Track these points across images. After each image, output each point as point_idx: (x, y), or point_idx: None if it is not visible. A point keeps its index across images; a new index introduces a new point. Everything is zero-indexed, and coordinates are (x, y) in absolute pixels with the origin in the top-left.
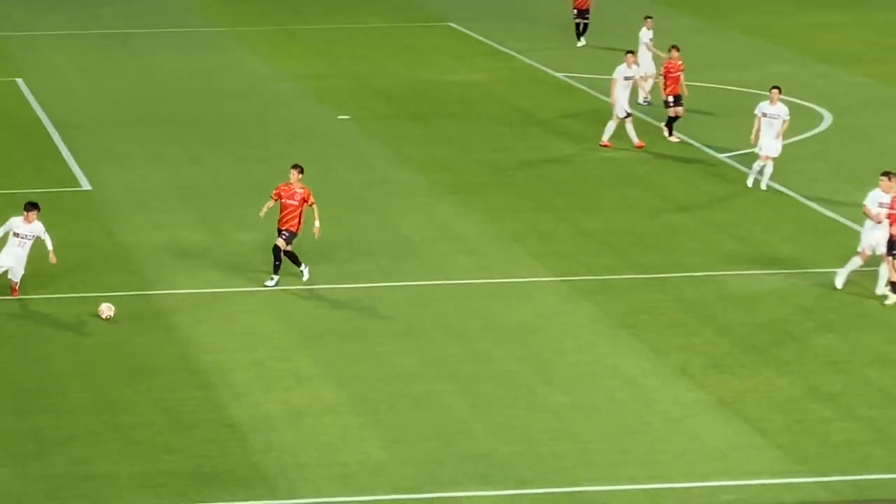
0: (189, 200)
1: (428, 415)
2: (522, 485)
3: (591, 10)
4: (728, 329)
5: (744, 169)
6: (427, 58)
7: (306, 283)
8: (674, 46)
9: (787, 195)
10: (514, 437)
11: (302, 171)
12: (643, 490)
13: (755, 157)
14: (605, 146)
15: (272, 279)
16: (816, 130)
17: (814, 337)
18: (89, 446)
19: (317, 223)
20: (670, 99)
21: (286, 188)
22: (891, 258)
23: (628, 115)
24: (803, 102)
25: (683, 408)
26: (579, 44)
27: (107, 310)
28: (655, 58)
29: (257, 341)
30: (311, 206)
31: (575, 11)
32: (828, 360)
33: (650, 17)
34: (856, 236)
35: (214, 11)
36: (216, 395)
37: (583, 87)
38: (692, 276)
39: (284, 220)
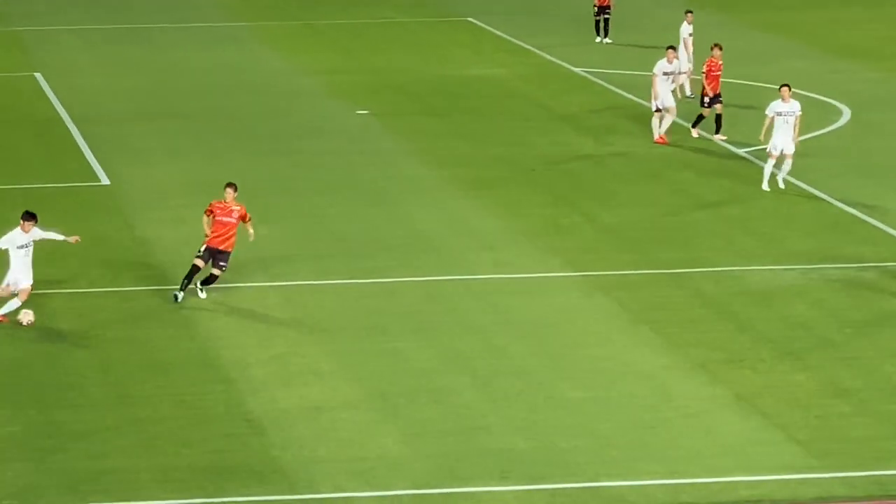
0: (208, 195)
1: (446, 410)
2: (540, 480)
3: (612, 7)
4: (746, 324)
5: (762, 164)
6: (446, 53)
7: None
8: (716, 45)
9: (805, 190)
10: (532, 433)
11: (236, 189)
12: (661, 485)
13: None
14: (661, 141)
15: (199, 290)
16: (834, 126)
17: (832, 332)
18: (109, 441)
19: (251, 230)
20: (706, 99)
21: (222, 206)
22: None
23: (658, 109)
24: (821, 98)
25: (702, 403)
26: (597, 39)
27: (25, 316)
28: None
29: (276, 336)
30: (247, 221)
31: (596, 8)
32: (846, 355)
33: (690, 12)
34: (874, 231)
35: (233, 6)
36: (235, 389)
37: (602, 83)
38: (711, 271)
39: (221, 238)
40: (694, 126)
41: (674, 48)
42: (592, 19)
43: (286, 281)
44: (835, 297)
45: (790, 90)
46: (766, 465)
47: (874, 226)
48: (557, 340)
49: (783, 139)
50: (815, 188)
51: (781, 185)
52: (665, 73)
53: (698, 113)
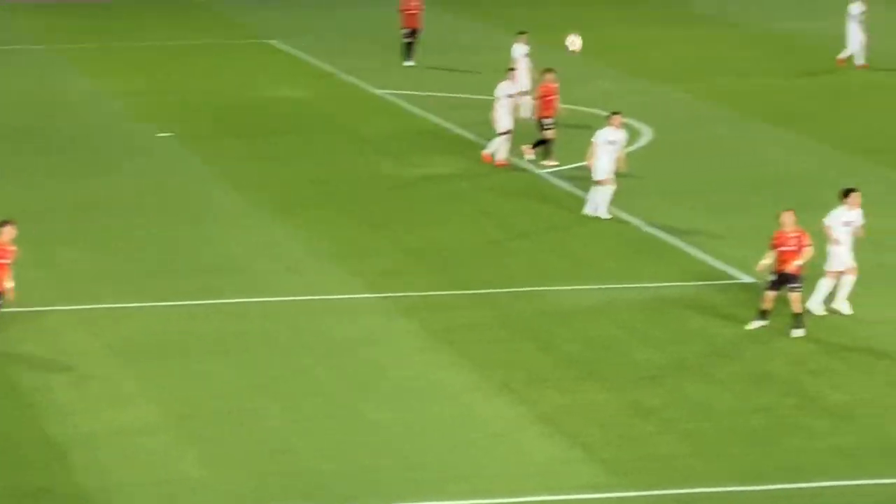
0: (11, 217)
1: (250, 433)
2: (345, 501)
3: (420, 30)
4: (550, 344)
5: (566, 186)
6: (250, 75)
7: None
8: (548, 69)
9: (611, 212)
10: (337, 454)
11: (15, 227)
12: None
13: (580, 171)
14: (501, 164)
15: None
16: (636, 146)
17: (634, 351)
18: None
19: (12, 283)
20: (547, 121)
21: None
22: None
23: (508, 132)
24: (624, 119)
25: (506, 423)
26: (406, 63)
27: (572, 43)
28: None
29: (79, 360)
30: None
31: (405, 30)
32: (647, 374)
33: (524, 33)
34: (675, 252)
35: (38, 29)
36: (37, 414)
37: (407, 105)
38: (515, 291)
39: None
40: (547, 155)
41: (513, 69)
42: (398, 42)
43: (90, 304)
44: (637, 317)
45: (621, 118)
46: (570, 485)
47: (675, 246)
48: (362, 362)
49: (609, 166)
50: (620, 209)
51: (607, 215)
52: (509, 96)
53: (541, 137)
